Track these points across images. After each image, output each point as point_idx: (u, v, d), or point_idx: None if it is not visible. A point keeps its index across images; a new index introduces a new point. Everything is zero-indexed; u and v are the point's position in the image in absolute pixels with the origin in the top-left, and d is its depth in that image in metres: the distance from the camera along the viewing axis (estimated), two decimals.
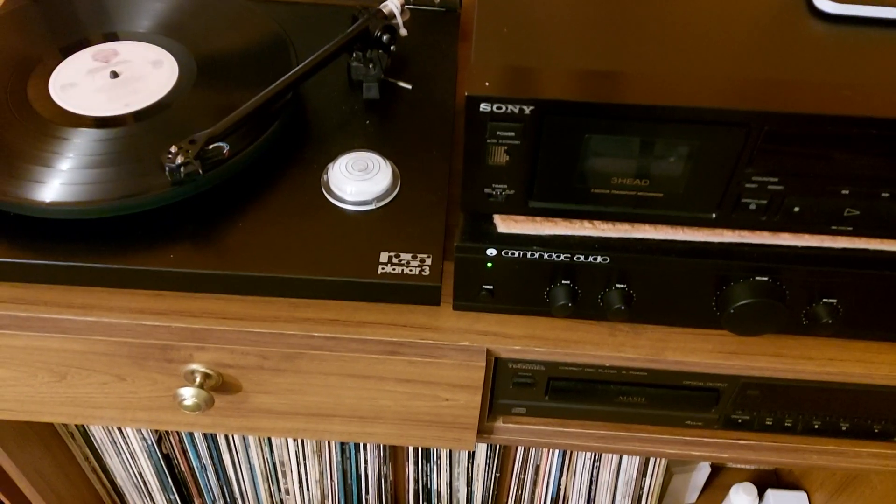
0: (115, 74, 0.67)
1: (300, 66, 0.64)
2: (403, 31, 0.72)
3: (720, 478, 1.20)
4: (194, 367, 0.59)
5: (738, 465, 1.22)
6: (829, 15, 0.52)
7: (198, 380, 0.59)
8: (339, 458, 1.02)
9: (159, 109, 0.64)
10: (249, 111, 0.60)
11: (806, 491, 1.10)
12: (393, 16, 0.71)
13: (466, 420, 0.63)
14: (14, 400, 0.65)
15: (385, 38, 0.69)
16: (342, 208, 0.61)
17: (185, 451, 1.03)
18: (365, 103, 0.70)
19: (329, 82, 0.71)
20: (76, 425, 0.98)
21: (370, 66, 0.69)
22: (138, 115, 0.64)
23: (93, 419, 0.66)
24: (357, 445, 1.01)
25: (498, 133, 0.47)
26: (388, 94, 0.71)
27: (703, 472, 1.12)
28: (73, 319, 0.58)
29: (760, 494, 1.10)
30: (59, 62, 0.68)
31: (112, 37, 0.71)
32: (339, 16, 0.75)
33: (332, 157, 0.63)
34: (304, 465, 1.03)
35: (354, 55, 0.69)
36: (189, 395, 0.59)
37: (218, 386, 0.61)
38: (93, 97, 0.65)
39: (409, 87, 0.71)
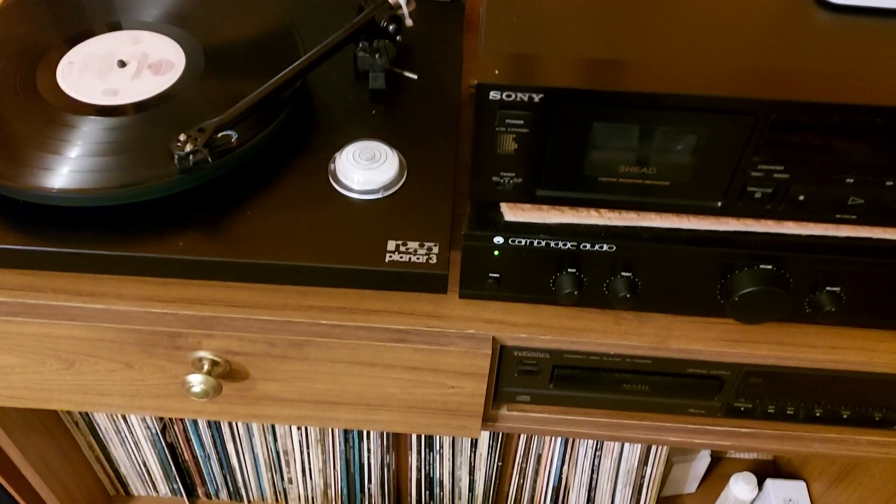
0: (123, 64, 0.67)
1: (307, 55, 0.64)
2: (409, 22, 0.72)
3: (720, 468, 1.21)
4: (202, 354, 0.60)
5: (739, 455, 1.22)
6: (834, 5, 0.52)
7: (206, 367, 0.60)
8: (343, 447, 1.03)
9: (167, 99, 0.64)
10: (258, 100, 0.60)
11: (805, 480, 1.11)
12: (399, 6, 0.71)
13: (472, 407, 0.64)
14: (22, 387, 0.65)
15: (391, 28, 0.70)
16: (349, 197, 0.61)
17: (188, 440, 1.03)
18: (371, 93, 0.70)
19: (335, 72, 0.72)
20: (80, 414, 0.98)
21: (376, 55, 0.69)
22: (146, 105, 0.64)
23: (100, 406, 0.67)
24: (360, 434, 1.01)
25: (507, 121, 0.47)
26: (394, 84, 0.71)
27: (703, 461, 1.13)
28: (82, 307, 0.59)
29: (760, 484, 1.11)
30: (68, 51, 0.68)
31: (120, 26, 0.71)
32: (346, 6, 0.76)
33: (339, 147, 0.64)
34: (308, 453, 1.04)
35: (361, 45, 0.70)
36: (197, 381, 0.59)
37: (226, 373, 0.61)
38: (101, 86, 0.65)
39: (415, 76, 0.72)
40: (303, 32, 0.70)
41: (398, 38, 0.70)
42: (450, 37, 0.76)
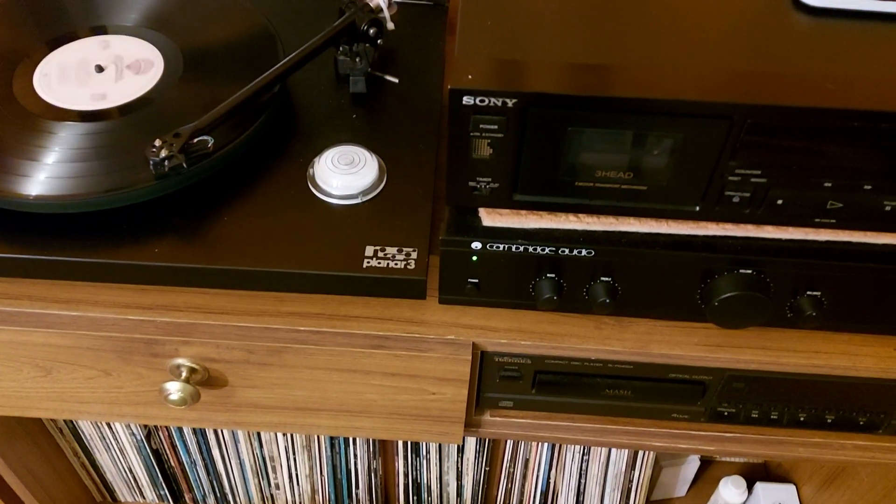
0: (100, 68, 0.66)
1: (286, 59, 0.64)
2: (391, 25, 0.71)
3: (710, 471, 1.21)
4: (180, 361, 0.59)
5: (727, 459, 1.22)
6: (812, 8, 0.52)
7: (184, 374, 0.59)
8: (329, 453, 1.02)
9: (145, 103, 0.64)
10: (235, 104, 0.60)
11: (795, 484, 1.11)
12: (380, 9, 0.71)
13: (453, 414, 0.63)
14: (0, 395, 0.65)
15: (372, 31, 0.69)
16: (328, 202, 0.61)
17: (174, 447, 1.03)
18: (352, 97, 0.70)
19: (316, 76, 0.71)
20: (64, 421, 0.98)
21: (357, 59, 0.68)
22: (124, 109, 0.64)
23: (80, 414, 0.66)
24: (346, 440, 1.01)
25: (481, 126, 0.47)
26: (374, 88, 0.71)
27: (692, 465, 1.12)
28: (58, 314, 0.58)
29: (749, 488, 1.10)
30: (45, 56, 0.68)
31: (99, 30, 0.71)
32: (327, 9, 0.75)
33: (319, 151, 0.63)
34: (294, 459, 1.04)
35: (341, 49, 0.69)
36: (175, 389, 0.59)
37: (204, 380, 0.61)
38: (78, 91, 0.65)
39: (396, 80, 0.71)
40: (283, 36, 0.69)
41: (379, 41, 0.70)
42: (432, 41, 0.76)
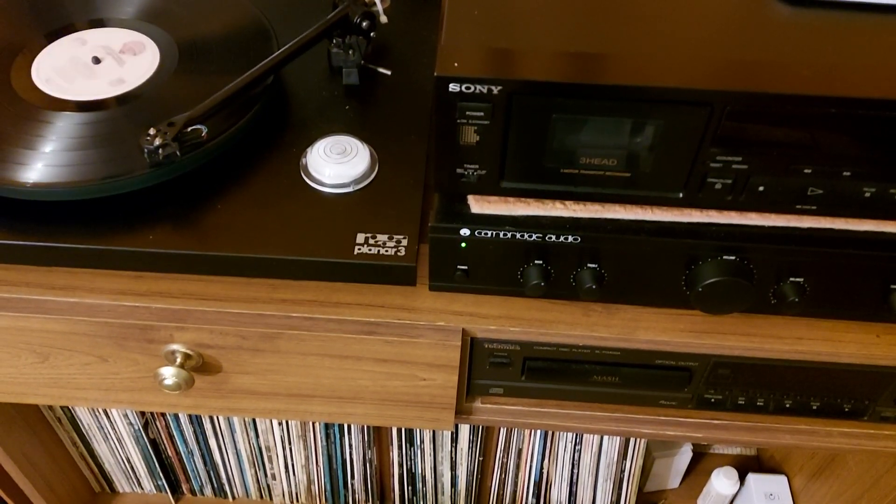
0: (97, 60, 0.67)
1: (280, 51, 0.65)
2: (384, 18, 0.72)
3: (702, 463, 1.22)
4: (174, 347, 0.60)
5: (720, 451, 1.23)
6: None
7: (178, 360, 0.60)
8: (325, 443, 1.03)
9: (141, 94, 0.65)
10: (228, 95, 0.61)
11: (786, 475, 1.12)
12: (373, 3, 0.71)
13: (444, 400, 0.64)
14: None
15: (364, 24, 0.70)
16: (320, 191, 0.62)
17: (171, 436, 1.04)
18: (345, 89, 0.71)
19: (310, 68, 0.72)
20: (63, 410, 0.99)
21: (350, 52, 0.69)
22: (120, 100, 0.65)
23: (76, 400, 0.67)
24: (341, 430, 1.02)
25: (467, 113, 0.48)
26: (367, 80, 0.72)
27: (685, 456, 1.13)
28: (55, 300, 0.59)
29: (742, 479, 1.11)
30: (43, 48, 0.69)
31: (97, 23, 0.72)
32: (320, 2, 0.76)
33: (312, 141, 0.64)
34: (290, 449, 1.05)
35: (334, 41, 0.70)
36: (169, 374, 0.60)
37: (198, 366, 0.62)
38: (75, 82, 0.66)
39: (389, 72, 0.72)
40: (277, 29, 0.70)
41: (372, 34, 0.71)
42: (425, 33, 0.77)
